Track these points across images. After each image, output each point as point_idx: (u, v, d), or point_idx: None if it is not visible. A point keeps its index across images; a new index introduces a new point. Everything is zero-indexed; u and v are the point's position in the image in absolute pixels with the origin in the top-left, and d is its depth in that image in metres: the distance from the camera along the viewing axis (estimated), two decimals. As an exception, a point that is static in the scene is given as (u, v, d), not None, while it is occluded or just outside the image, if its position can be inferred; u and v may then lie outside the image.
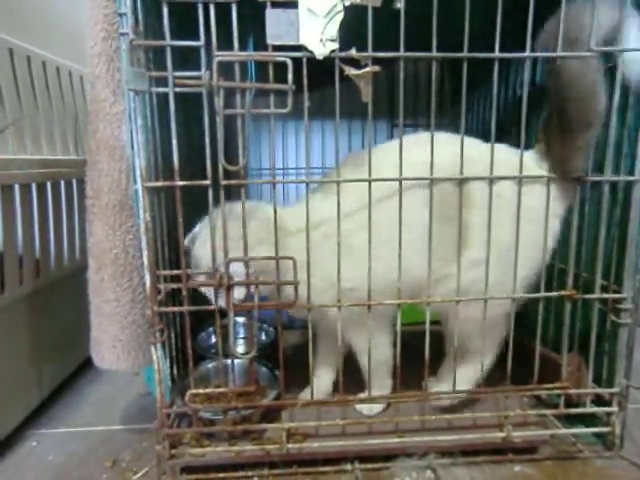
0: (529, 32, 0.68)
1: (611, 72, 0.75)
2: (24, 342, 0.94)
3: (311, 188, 0.76)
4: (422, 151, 0.73)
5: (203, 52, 0.64)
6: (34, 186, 0.94)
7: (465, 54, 0.68)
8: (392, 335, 0.86)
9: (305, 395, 0.87)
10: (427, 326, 0.79)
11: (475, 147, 0.78)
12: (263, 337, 1.16)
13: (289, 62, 0.64)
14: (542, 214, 0.76)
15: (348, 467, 0.81)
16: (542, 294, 0.79)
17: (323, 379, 0.94)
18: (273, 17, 0.64)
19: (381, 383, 0.87)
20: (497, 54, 0.70)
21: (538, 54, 0.70)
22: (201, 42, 0.64)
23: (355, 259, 0.75)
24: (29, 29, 1.07)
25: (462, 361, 0.85)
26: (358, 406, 0.88)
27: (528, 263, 0.79)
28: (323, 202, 0.79)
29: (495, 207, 0.75)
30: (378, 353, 0.80)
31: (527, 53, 0.70)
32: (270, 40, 0.64)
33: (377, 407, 0.88)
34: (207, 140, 0.67)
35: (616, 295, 0.80)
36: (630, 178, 0.76)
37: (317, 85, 0.72)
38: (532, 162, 0.78)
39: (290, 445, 0.78)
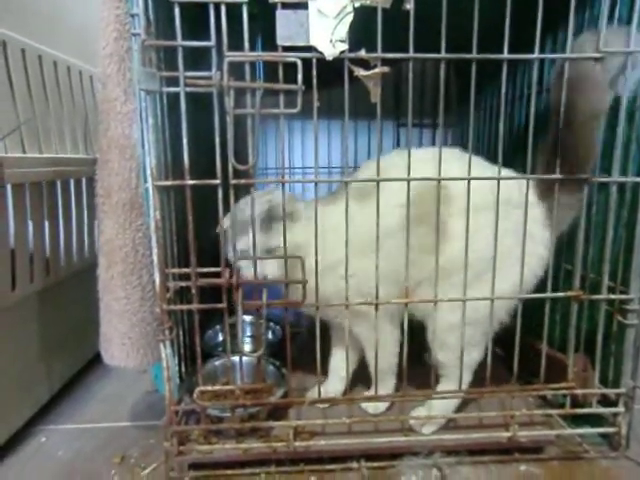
0: (538, 33, 0.69)
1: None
2: (34, 339, 0.95)
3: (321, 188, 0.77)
4: (428, 168, 0.74)
5: (214, 52, 0.65)
6: (44, 184, 0.95)
7: (474, 55, 0.69)
8: (399, 332, 0.86)
9: (313, 395, 0.87)
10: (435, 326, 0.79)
11: (481, 171, 0.77)
12: (270, 335, 1.16)
13: (299, 62, 0.65)
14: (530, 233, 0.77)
15: (354, 465, 0.81)
16: (549, 294, 0.79)
17: (334, 380, 0.94)
18: (283, 18, 0.64)
19: (383, 377, 0.86)
20: (506, 55, 0.70)
21: (546, 55, 0.70)
22: (212, 42, 0.65)
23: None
24: (41, 29, 1.08)
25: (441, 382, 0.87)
26: (364, 405, 0.88)
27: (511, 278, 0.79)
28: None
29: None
30: (383, 349, 0.81)
31: (536, 54, 0.70)
32: (280, 41, 0.65)
33: (382, 406, 0.89)
34: (217, 139, 0.67)
35: (623, 296, 0.80)
36: (637, 179, 0.76)
37: (325, 85, 0.73)
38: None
39: (297, 443, 0.78)
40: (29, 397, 0.94)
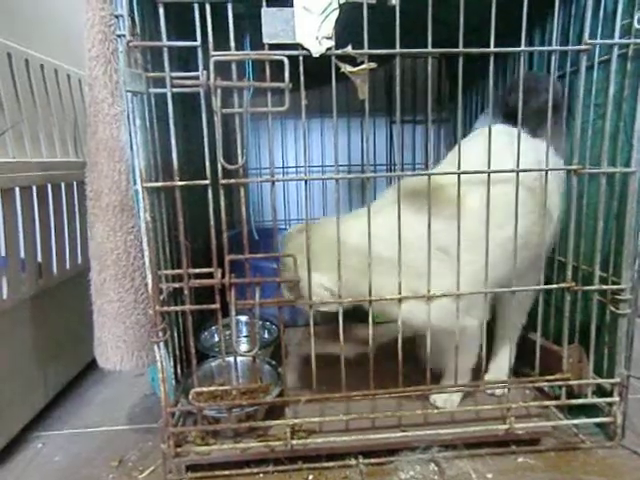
0: (524, 26, 0.69)
1: (606, 65, 0.76)
2: (29, 344, 0.94)
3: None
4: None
5: (200, 52, 0.65)
6: (34, 189, 0.94)
7: (461, 49, 0.69)
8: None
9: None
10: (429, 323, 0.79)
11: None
12: (266, 335, 1.16)
13: (285, 60, 0.65)
14: None
15: (352, 462, 0.81)
16: (542, 287, 0.80)
17: (500, 357, 0.95)
18: (269, 16, 0.64)
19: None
20: (492, 49, 0.70)
21: (533, 48, 0.70)
22: (197, 42, 0.65)
23: None
24: (27, 33, 1.07)
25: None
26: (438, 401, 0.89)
27: None
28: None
29: None
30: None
31: (522, 47, 0.70)
32: (266, 39, 0.65)
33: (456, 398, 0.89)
34: (205, 140, 0.67)
35: (615, 286, 0.80)
36: (626, 170, 0.76)
37: (315, 83, 0.72)
38: None
39: (294, 441, 0.78)
40: (25, 403, 0.94)
